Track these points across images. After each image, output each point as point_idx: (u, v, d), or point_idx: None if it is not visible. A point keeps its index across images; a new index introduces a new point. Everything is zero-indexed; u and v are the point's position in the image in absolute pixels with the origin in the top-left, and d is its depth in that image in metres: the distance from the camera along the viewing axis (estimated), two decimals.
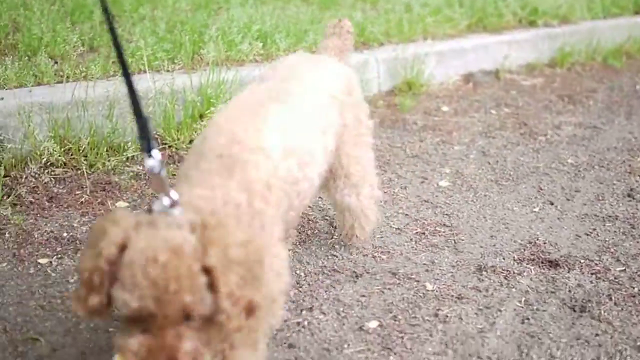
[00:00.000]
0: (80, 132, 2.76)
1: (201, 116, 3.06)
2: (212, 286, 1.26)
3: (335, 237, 2.39)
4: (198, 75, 3.15)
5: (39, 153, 2.64)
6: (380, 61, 3.98)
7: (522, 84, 4.42)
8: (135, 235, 1.28)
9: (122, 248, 1.27)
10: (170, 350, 1.24)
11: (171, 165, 2.83)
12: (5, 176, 2.51)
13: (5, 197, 2.43)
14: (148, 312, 1.22)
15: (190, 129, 2.99)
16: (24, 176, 2.57)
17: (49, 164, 2.65)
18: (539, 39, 4.93)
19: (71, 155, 2.71)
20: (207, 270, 1.26)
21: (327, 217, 2.53)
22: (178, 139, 2.96)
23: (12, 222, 2.32)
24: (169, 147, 2.95)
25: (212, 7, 4.32)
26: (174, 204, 1.34)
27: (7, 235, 2.26)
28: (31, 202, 2.46)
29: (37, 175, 2.59)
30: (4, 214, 2.36)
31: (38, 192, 2.52)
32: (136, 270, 1.23)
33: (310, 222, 2.50)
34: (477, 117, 3.74)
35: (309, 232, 2.43)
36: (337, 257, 2.27)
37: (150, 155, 1.38)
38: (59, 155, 2.66)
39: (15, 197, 2.45)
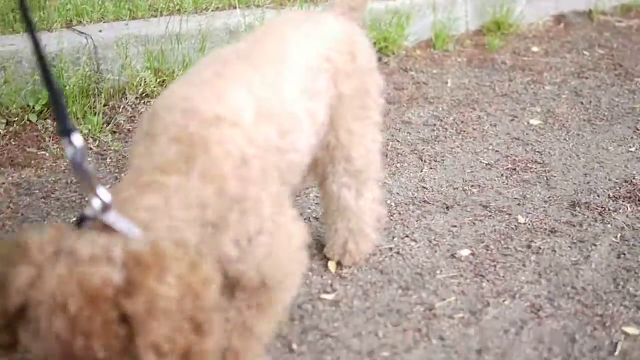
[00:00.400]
0: (174, 65, 2.83)
1: None
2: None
3: (425, 170, 2.39)
4: (286, 10, 3.16)
5: (135, 84, 2.72)
6: (469, 0, 3.89)
7: (617, 26, 4.24)
8: (48, 272, 1.01)
9: (32, 286, 1.01)
10: None
11: None
12: (105, 105, 2.61)
13: (105, 125, 2.52)
14: None
15: None
16: (122, 106, 2.66)
17: (144, 94, 2.73)
18: None
19: (166, 86, 2.78)
20: (127, 319, 1.00)
21: (416, 152, 2.53)
22: None
23: (112, 148, 2.41)
24: None
25: None
26: (106, 207, 1.08)
27: (108, 160, 2.36)
28: (129, 131, 2.55)
29: (134, 105, 2.68)
30: (105, 140, 2.45)
31: (135, 121, 2.61)
32: (43, 320, 0.99)
33: (400, 155, 2.50)
34: (569, 58, 3.62)
35: (398, 165, 2.44)
36: (427, 189, 2.28)
37: (69, 141, 1.09)
38: (155, 87, 2.74)
39: (115, 125, 2.54)
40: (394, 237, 2.00)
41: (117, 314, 0.98)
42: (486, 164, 2.46)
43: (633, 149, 2.61)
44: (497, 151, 2.56)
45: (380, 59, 3.36)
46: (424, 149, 2.54)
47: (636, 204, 2.21)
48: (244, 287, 1.35)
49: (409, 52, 3.51)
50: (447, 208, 2.16)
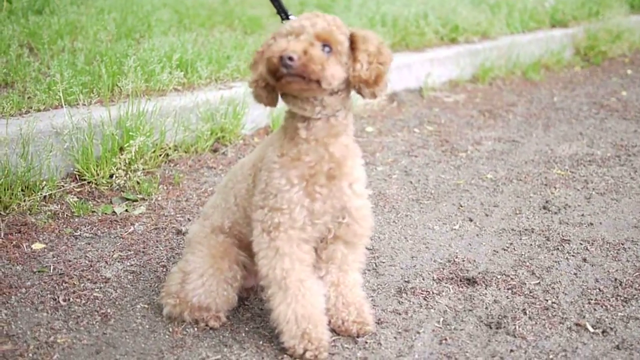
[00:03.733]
0: None
1: (121, 149, 3.02)
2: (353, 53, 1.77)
3: None
4: (117, 107, 3.12)
5: None
6: None
7: (445, 101, 4.52)
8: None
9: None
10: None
11: (90, 202, 2.79)
12: None
13: None
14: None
15: (110, 164, 2.95)
16: None
17: None
18: (460, 56, 5.06)
19: None
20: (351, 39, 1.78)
21: None
22: (97, 174, 2.92)
23: None
24: (88, 183, 2.90)
25: (134, 36, 4.29)
26: None
27: None
28: None
29: None
30: None
31: None
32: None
33: None
34: (401, 136, 3.80)
35: None
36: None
37: None
38: None
39: None
40: (223, 346, 1.96)
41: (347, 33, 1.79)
42: None
43: (456, 227, 2.74)
44: None
45: (216, 150, 3.38)
46: None
47: (458, 285, 2.31)
48: None
49: (247, 141, 3.56)
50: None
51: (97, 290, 2.21)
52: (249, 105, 3.60)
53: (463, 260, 2.47)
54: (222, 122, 3.47)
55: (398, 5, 5.37)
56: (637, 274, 2.37)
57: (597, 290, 2.27)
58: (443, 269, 2.41)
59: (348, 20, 4.90)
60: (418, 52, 4.93)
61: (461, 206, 2.93)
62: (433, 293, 2.25)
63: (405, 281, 2.33)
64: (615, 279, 2.33)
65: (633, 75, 5.55)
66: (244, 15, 5.23)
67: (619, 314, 2.13)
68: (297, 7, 5.45)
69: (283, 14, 2.05)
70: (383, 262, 2.46)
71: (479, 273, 2.38)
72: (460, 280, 2.33)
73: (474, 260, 2.47)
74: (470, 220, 2.80)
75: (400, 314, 2.14)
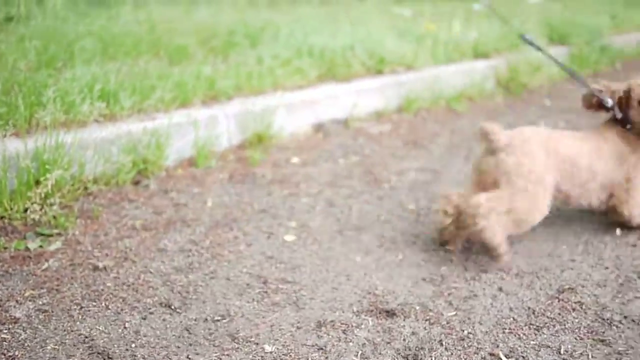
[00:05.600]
0: None
1: (37, 183, 2.94)
2: None
3: (174, 305, 2.34)
4: (34, 139, 3.04)
5: None
6: (230, 116, 4.01)
7: (371, 132, 4.58)
8: None
9: None
10: None
11: (2, 238, 2.70)
12: None
13: None
14: None
15: (25, 198, 2.87)
16: None
17: None
18: (386, 87, 5.15)
19: None
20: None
21: (167, 283, 2.48)
22: (11, 209, 2.83)
23: None
24: (1, 218, 2.81)
25: (55, 65, 4.20)
26: None
27: None
28: None
29: None
30: None
31: None
32: None
33: (151, 289, 2.44)
34: (326, 167, 3.83)
35: (148, 300, 2.37)
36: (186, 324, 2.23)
37: None
38: None
39: None
40: None
41: None
42: (238, 290, 2.47)
43: (377, 258, 2.77)
44: (250, 273, 2.60)
45: (138, 182, 3.33)
46: (176, 279, 2.51)
47: (377, 317, 2.32)
48: None
49: (170, 172, 3.52)
50: (197, 345, 2.13)
51: (5, 331, 2.12)
52: (172, 137, 3.57)
53: (383, 292, 2.49)
54: (144, 153, 3.42)
55: (325, 36, 5.44)
56: (549, 302, 2.43)
57: (511, 319, 2.32)
58: (363, 301, 2.43)
59: (275, 51, 4.93)
60: (345, 83, 4.99)
61: (383, 237, 2.96)
62: (352, 326, 2.26)
63: (325, 314, 2.33)
64: (529, 308, 2.40)
65: (551, 106, 5.76)
66: (171, 45, 5.20)
67: (531, 342, 2.18)
68: (225, 37, 5.46)
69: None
70: (304, 296, 2.45)
71: (399, 304, 2.40)
72: (380, 312, 2.35)
73: (394, 292, 2.50)
74: (392, 251, 2.83)
75: (319, 348, 2.13)
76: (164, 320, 2.26)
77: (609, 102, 2.94)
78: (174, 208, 3.15)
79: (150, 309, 2.32)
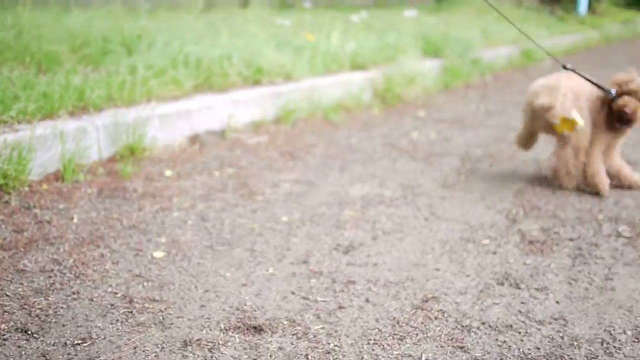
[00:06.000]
0: None
1: None
2: None
3: (30, 329, 2.23)
4: None
5: None
6: (101, 127, 3.88)
7: (248, 143, 4.57)
8: None
9: None
10: None
11: None
12: None
13: None
14: None
15: None
16: None
17: None
18: (264, 97, 5.16)
19: None
20: None
21: (25, 306, 2.36)
22: None
23: None
24: None
25: None
26: None
27: None
28: None
29: None
30: None
31: None
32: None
33: (7, 313, 2.31)
34: (200, 179, 3.78)
35: (3, 325, 2.25)
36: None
37: None
38: None
39: None
40: None
41: None
42: (101, 311, 2.39)
43: (248, 272, 2.76)
44: (115, 293, 2.52)
45: None
46: (34, 302, 2.40)
47: (244, 333, 2.31)
48: None
49: (34, 187, 3.36)
50: None
51: None
52: (36, 150, 3.42)
53: (252, 308, 2.48)
54: (4, 167, 3.25)
55: (202, 46, 5.39)
56: (413, 311, 2.51)
57: (377, 330, 2.38)
58: (231, 317, 2.41)
59: (150, 60, 4.83)
60: (222, 93, 4.96)
61: (254, 251, 2.96)
62: (219, 344, 2.24)
63: (192, 333, 2.30)
64: (394, 318, 2.46)
65: (424, 117, 5.97)
66: (39, 52, 4.98)
67: (394, 352, 2.24)
68: (100, 43, 5.29)
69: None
70: (170, 314, 2.40)
71: (267, 320, 2.40)
72: (247, 329, 2.34)
73: (263, 307, 2.49)
74: (263, 264, 2.83)
75: None
76: (19, 347, 2.14)
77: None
78: (37, 225, 3.01)
79: (4, 335, 2.20)
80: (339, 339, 2.30)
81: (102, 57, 5.02)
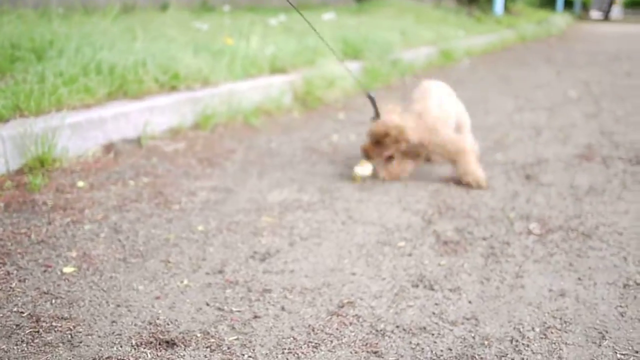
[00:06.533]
0: None
1: None
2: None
3: None
4: None
5: None
6: (7, 138, 3.74)
7: (165, 150, 4.49)
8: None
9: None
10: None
11: None
12: None
13: None
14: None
15: None
16: None
17: None
18: (181, 103, 5.08)
19: None
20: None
21: None
22: None
23: None
24: None
25: None
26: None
27: None
28: None
29: None
30: None
31: None
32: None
33: None
34: (114, 190, 3.69)
35: None
36: None
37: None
38: None
39: None
40: None
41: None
42: (6, 332, 2.29)
43: (162, 285, 2.71)
44: (21, 312, 2.42)
45: None
46: None
47: (156, 348, 2.26)
48: None
49: None
50: None
51: None
52: None
53: (165, 321, 2.43)
54: None
55: (115, 52, 5.26)
56: (328, 317, 2.52)
57: (292, 338, 2.37)
58: (143, 332, 2.36)
59: (60, 68, 4.68)
60: (137, 100, 4.86)
61: (169, 262, 2.91)
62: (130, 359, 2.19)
63: (102, 350, 2.23)
64: (309, 325, 2.46)
65: (344, 119, 6.01)
66: None
67: None
68: (8, 49, 5.10)
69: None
70: (80, 332, 2.33)
71: (180, 333, 2.36)
72: (160, 344, 2.29)
73: (176, 320, 2.45)
74: (176, 276, 2.78)
75: None
76: None
77: None
78: None
79: None
80: (254, 350, 2.29)
81: (9, 64, 4.84)
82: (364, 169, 4.13)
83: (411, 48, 9.92)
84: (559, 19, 22.80)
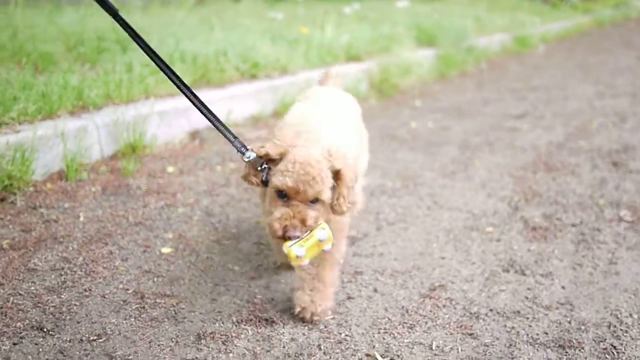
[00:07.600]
0: None
1: None
2: (336, 181, 2.11)
3: (45, 327, 2.26)
4: None
5: None
6: (101, 126, 3.89)
7: (247, 137, 4.58)
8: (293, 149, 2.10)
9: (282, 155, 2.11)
10: (301, 216, 2.04)
11: None
12: None
13: None
14: (293, 191, 2.04)
15: None
16: None
17: None
18: (261, 92, 5.17)
19: None
20: (334, 173, 2.11)
21: (39, 305, 2.38)
22: None
23: None
24: None
25: None
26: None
27: None
28: None
29: None
30: None
31: None
32: (292, 166, 2.05)
33: (21, 312, 2.33)
34: (202, 175, 3.80)
35: (19, 324, 2.27)
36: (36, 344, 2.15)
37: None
38: None
39: None
40: None
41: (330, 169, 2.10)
42: (114, 307, 2.41)
43: (256, 266, 2.78)
44: (126, 289, 2.54)
45: (3, 199, 3.17)
46: (48, 300, 2.41)
47: (256, 325, 2.34)
48: None
49: (39, 187, 3.37)
50: None
51: None
52: (39, 150, 3.42)
53: (262, 300, 2.51)
54: (8, 169, 3.26)
55: (198, 42, 5.39)
56: (421, 300, 2.54)
57: (386, 319, 2.41)
58: (242, 310, 2.44)
59: (146, 58, 4.81)
60: (219, 88, 4.97)
61: (261, 244, 2.98)
62: (232, 336, 2.26)
63: (205, 326, 2.32)
64: (403, 307, 2.49)
65: (421, 107, 6.00)
66: (35, 52, 4.97)
67: (405, 340, 2.27)
68: (94, 41, 5.29)
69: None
70: (182, 309, 2.43)
71: (277, 312, 2.43)
72: (259, 321, 2.37)
73: (273, 299, 2.52)
74: (269, 257, 2.86)
75: None
76: (36, 344, 2.17)
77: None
78: (44, 224, 3.02)
79: (21, 333, 2.22)
80: (350, 329, 2.33)
81: (97, 55, 5.01)
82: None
83: (485, 35, 9.78)
84: (638, 1, 22.03)
